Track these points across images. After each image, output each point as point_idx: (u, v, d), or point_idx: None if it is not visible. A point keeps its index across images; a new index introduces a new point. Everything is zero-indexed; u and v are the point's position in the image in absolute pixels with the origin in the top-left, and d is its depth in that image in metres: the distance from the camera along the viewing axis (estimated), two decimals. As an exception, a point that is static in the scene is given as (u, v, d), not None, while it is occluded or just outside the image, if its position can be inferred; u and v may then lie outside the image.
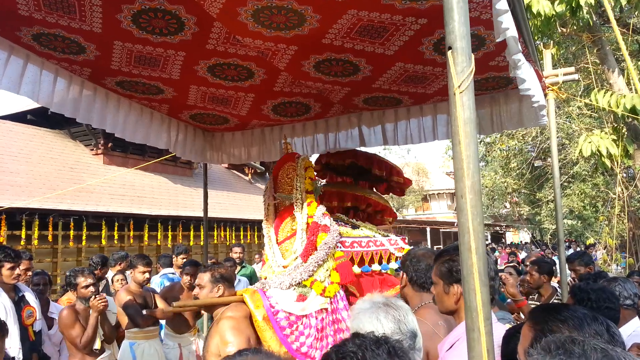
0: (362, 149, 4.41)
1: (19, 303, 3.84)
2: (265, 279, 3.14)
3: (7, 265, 3.71)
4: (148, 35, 2.70)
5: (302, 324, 2.80)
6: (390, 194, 4.62)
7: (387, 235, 3.37)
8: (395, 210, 4.51)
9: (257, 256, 10.00)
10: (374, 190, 4.41)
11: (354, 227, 3.41)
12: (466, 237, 1.02)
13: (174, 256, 6.90)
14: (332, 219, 3.16)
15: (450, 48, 1.07)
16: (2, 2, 2.37)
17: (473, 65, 1.05)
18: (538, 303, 4.53)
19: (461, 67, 1.06)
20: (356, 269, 3.10)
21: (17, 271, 3.79)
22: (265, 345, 2.69)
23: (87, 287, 3.94)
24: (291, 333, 2.76)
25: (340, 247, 3.05)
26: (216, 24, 2.57)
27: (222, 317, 2.77)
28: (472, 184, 1.03)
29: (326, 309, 2.87)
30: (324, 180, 4.50)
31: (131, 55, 2.96)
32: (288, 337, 2.74)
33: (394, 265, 3.26)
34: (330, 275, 2.94)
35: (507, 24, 1.70)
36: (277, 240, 3.21)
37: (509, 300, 4.47)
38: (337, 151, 4.36)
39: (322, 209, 3.09)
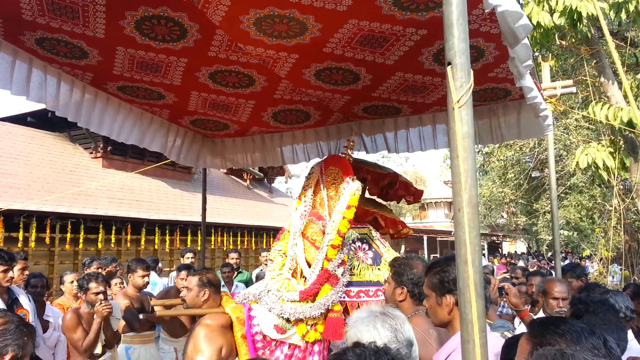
0: (361, 155, 4.41)
1: (12, 306, 3.83)
2: (271, 273, 3.07)
3: (0, 267, 3.71)
4: (151, 42, 2.72)
5: (275, 346, 2.87)
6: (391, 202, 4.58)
7: None
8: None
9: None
10: (378, 202, 4.37)
11: (376, 258, 3.08)
12: (463, 250, 1.03)
13: (181, 257, 7.15)
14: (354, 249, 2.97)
15: (449, 64, 1.09)
16: (7, 7, 2.40)
17: (472, 81, 1.07)
18: (531, 314, 4.56)
19: (460, 83, 1.08)
20: None
21: (10, 274, 3.79)
22: (240, 357, 2.79)
23: (97, 293, 3.99)
24: (263, 354, 2.85)
25: (344, 297, 2.89)
26: (218, 31, 2.60)
27: (200, 322, 2.83)
28: (469, 198, 1.04)
29: (299, 346, 2.89)
30: None
31: (133, 60, 2.98)
32: (260, 356, 2.83)
33: None
34: (317, 324, 2.87)
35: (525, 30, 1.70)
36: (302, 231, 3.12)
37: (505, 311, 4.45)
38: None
39: (341, 256, 2.93)
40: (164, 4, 2.35)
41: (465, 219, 1.04)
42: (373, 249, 3.09)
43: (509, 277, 8.14)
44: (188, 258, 6.98)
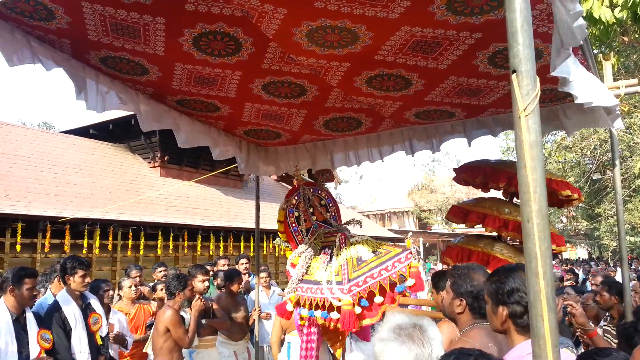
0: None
1: (86, 310, 4.04)
2: None
3: (80, 272, 3.91)
4: (207, 57, 2.81)
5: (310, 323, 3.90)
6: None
7: (339, 283, 3.53)
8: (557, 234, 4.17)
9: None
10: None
11: (329, 262, 3.75)
12: (533, 263, 1.00)
13: (235, 263, 7.40)
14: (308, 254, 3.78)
15: (514, 71, 1.06)
16: (75, 28, 2.54)
17: (538, 89, 1.04)
18: (611, 326, 4.27)
19: (526, 90, 1.04)
20: (304, 312, 3.63)
21: (87, 280, 3.99)
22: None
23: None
24: (305, 326, 3.93)
25: (298, 291, 3.70)
26: (272, 44, 2.65)
27: None
28: (539, 209, 1.01)
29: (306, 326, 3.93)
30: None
31: (191, 75, 3.08)
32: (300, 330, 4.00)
33: (335, 315, 3.43)
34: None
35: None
36: None
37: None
38: (495, 168, 4.15)
39: (291, 259, 3.86)
40: (220, 20, 2.42)
41: (536, 230, 1.00)
42: (332, 254, 3.74)
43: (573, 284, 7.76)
44: (242, 264, 7.15)
